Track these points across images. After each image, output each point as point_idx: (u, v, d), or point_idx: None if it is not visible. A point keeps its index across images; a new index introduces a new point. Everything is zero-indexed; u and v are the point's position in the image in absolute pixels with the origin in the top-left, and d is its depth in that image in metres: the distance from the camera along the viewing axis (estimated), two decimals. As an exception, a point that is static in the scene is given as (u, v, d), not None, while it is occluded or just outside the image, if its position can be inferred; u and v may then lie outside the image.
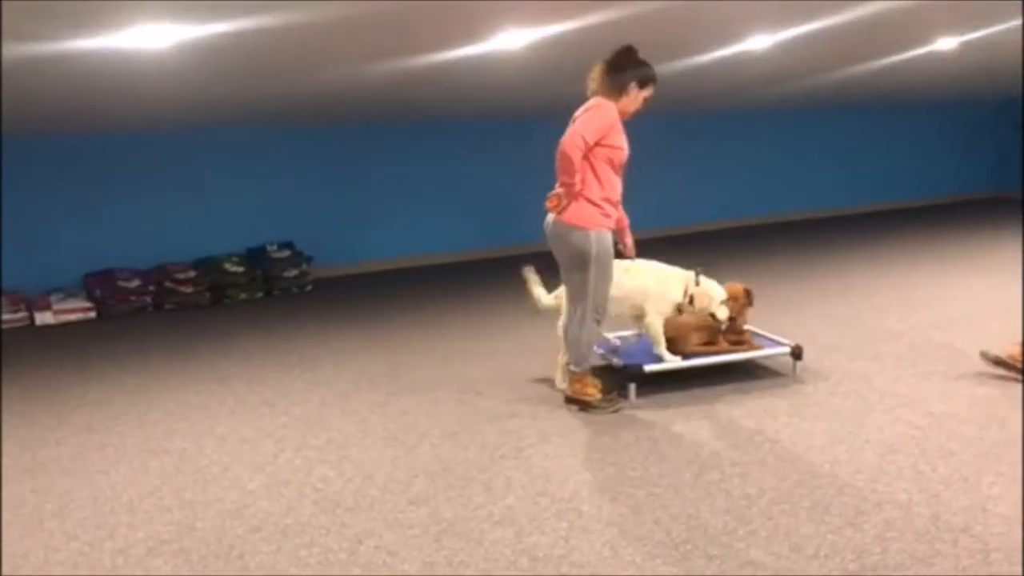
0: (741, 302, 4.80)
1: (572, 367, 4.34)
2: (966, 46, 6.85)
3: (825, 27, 5.53)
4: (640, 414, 4.23)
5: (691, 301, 4.50)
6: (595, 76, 4.09)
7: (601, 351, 4.76)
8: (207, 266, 7.25)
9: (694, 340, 4.68)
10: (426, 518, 3.20)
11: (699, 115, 9.86)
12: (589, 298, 4.15)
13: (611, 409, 4.28)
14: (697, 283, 4.52)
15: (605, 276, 4.15)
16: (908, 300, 6.42)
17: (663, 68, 6.21)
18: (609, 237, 4.13)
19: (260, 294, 7.35)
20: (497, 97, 7.09)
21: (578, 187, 4.01)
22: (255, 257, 7.50)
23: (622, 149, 4.07)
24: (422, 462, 3.73)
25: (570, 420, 4.18)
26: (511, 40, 4.83)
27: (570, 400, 4.37)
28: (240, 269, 7.27)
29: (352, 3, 3.78)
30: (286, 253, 7.59)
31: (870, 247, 8.70)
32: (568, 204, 4.05)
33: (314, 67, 5.22)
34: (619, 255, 4.37)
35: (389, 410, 4.40)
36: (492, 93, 6.85)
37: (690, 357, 4.60)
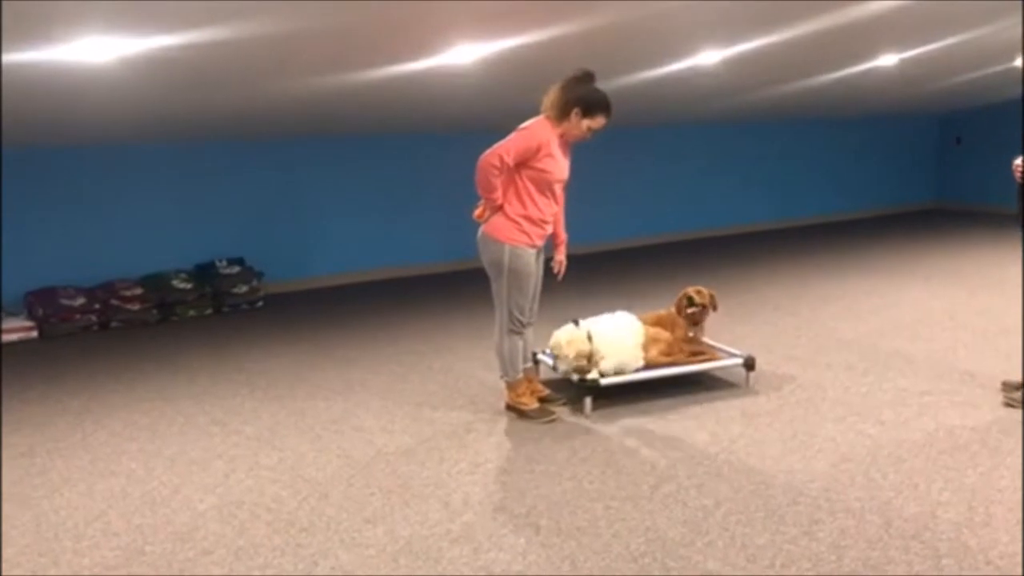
0: (709, 306, 4.90)
1: (502, 377, 4.42)
2: (906, 62, 7.03)
3: (770, 43, 5.64)
4: (596, 427, 4.23)
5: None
6: (549, 94, 4.13)
7: (554, 364, 4.76)
8: (154, 283, 7.08)
9: (652, 352, 4.71)
10: (383, 537, 3.16)
11: (644, 129, 9.95)
12: (505, 308, 4.26)
13: (545, 419, 4.31)
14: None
15: (519, 288, 4.22)
16: (856, 309, 6.54)
17: (607, 83, 6.32)
18: (525, 253, 4.19)
19: (209, 311, 7.20)
20: (448, 112, 7.08)
21: (498, 200, 4.12)
22: (204, 273, 7.35)
23: (550, 173, 4.11)
24: (378, 479, 3.68)
25: (527, 434, 4.16)
26: (462, 55, 4.83)
27: (508, 408, 4.44)
28: (188, 285, 7.12)
29: (299, 17, 3.74)
30: (236, 269, 7.45)
31: (816, 258, 8.85)
32: (491, 215, 4.18)
33: (262, 81, 5.16)
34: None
35: (344, 427, 4.34)
36: (443, 108, 6.84)
37: (647, 369, 4.62)
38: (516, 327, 4.31)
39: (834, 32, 5.48)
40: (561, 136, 4.15)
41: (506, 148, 4.03)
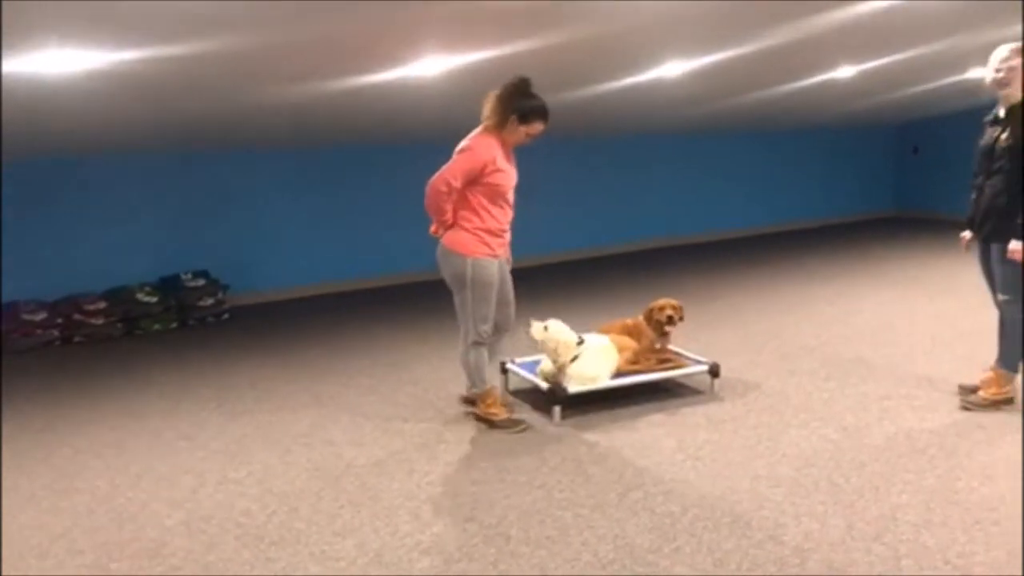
0: (676, 317, 4.97)
1: (472, 388, 4.47)
2: (864, 74, 7.19)
3: (734, 55, 5.74)
4: (566, 436, 4.27)
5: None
6: (486, 103, 4.19)
7: (524, 373, 4.80)
8: (118, 296, 7.00)
9: (619, 360, 4.76)
10: (353, 549, 3.16)
11: (612, 139, 10.06)
12: (470, 320, 4.30)
13: (516, 429, 4.35)
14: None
15: (483, 299, 4.28)
16: (819, 316, 6.66)
17: (573, 94, 6.41)
18: (488, 264, 4.25)
19: (175, 324, 7.13)
20: (413, 123, 7.10)
21: (449, 220, 4.23)
22: (169, 286, 7.28)
23: (501, 185, 4.19)
24: (348, 492, 3.68)
25: (496, 445, 4.19)
26: (428, 67, 4.86)
27: (478, 419, 4.47)
28: (153, 299, 7.05)
29: (261, 30, 3.75)
30: (201, 282, 7.39)
31: (780, 266, 8.99)
32: (445, 230, 4.26)
33: (226, 93, 5.15)
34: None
35: (313, 440, 4.33)
36: (408, 119, 6.86)
37: (614, 377, 4.68)
38: (481, 338, 4.35)
39: (794, 45, 5.60)
40: (503, 144, 4.21)
41: (452, 172, 4.12)
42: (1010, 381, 4.45)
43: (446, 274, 4.33)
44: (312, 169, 8.23)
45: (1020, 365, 4.43)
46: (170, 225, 7.58)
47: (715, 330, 6.24)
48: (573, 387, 4.50)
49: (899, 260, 9.10)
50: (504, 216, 4.30)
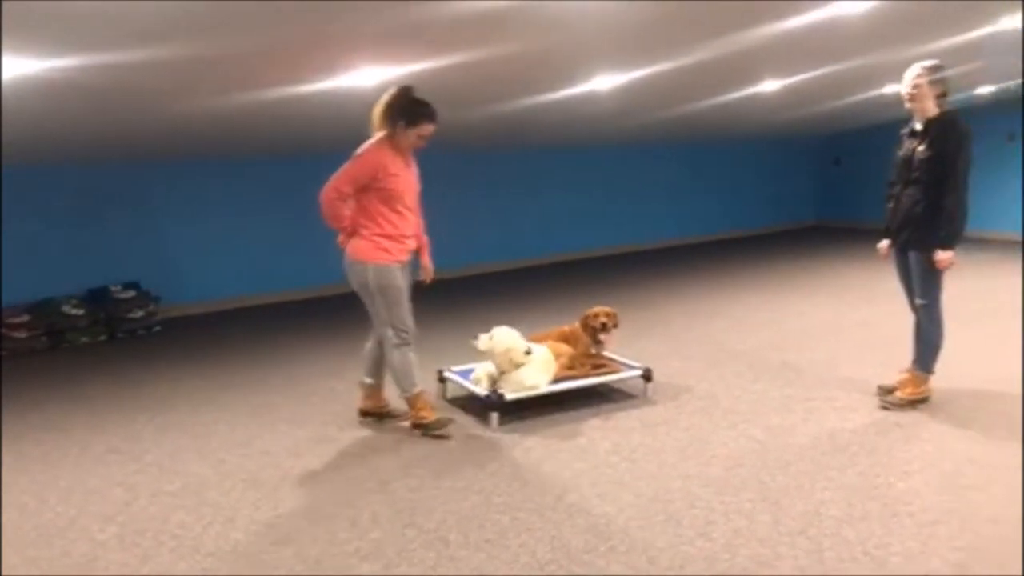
0: (611, 324, 5.08)
1: (401, 394, 4.49)
2: (788, 88, 7.45)
3: (661, 70, 5.89)
4: (503, 441, 4.32)
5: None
6: (375, 115, 4.24)
7: (461, 380, 4.85)
8: (43, 309, 6.81)
9: (556, 365, 4.84)
10: (291, 558, 3.16)
11: (542, 151, 10.20)
12: (389, 325, 4.34)
13: (443, 428, 4.42)
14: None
15: (395, 302, 4.32)
16: (746, 322, 6.86)
17: (505, 106, 6.50)
18: (391, 269, 4.28)
19: (103, 337, 6.98)
20: (341, 134, 7.07)
21: (348, 228, 4.29)
22: (97, 298, 7.12)
23: (395, 190, 4.23)
24: (285, 502, 3.67)
25: (433, 452, 4.22)
26: (359, 78, 4.87)
27: (413, 425, 4.49)
28: (80, 311, 6.88)
29: (192, 40, 3.73)
30: (131, 293, 7.26)
31: (709, 275, 9.22)
32: (347, 239, 4.31)
33: (155, 103, 5.06)
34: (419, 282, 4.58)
35: (249, 451, 4.30)
36: (339, 130, 6.84)
37: (551, 383, 4.75)
38: (403, 340, 4.37)
39: (719, 60, 5.78)
40: (397, 151, 4.27)
41: (342, 179, 4.18)
42: (925, 382, 4.67)
43: (353, 283, 4.35)
44: (243, 181, 8.14)
45: (934, 366, 4.65)
46: (99, 237, 7.41)
47: (647, 337, 6.38)
48: (510, 394, 4.56)
49: (822, 268, 9.43)
50: (403, 222, 4.32)
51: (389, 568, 3.06)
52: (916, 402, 4.63)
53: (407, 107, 4.20)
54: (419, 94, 4.24)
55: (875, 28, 5.37)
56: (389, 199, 4.23)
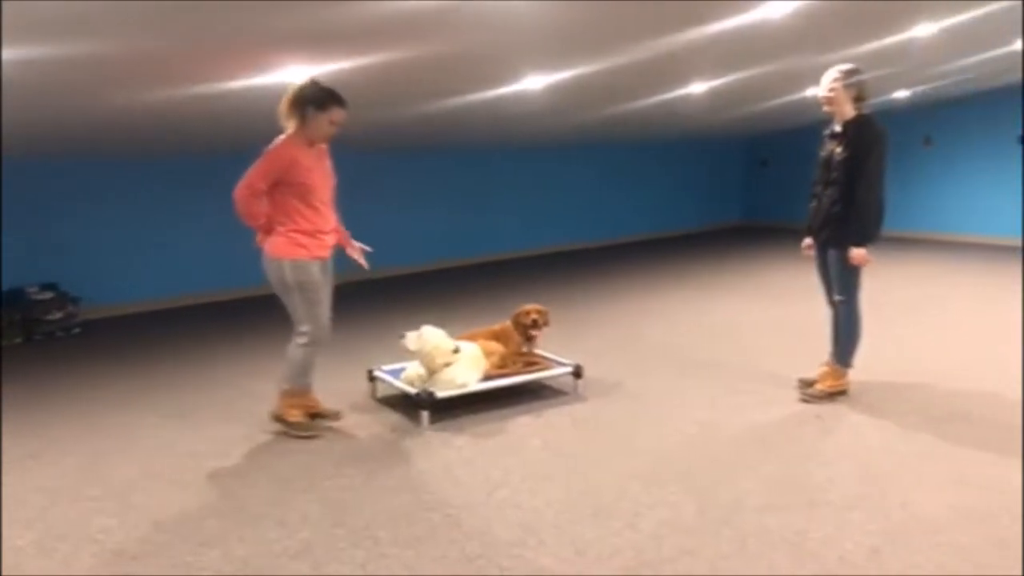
0: (542, 321, 5.14)
1: (283, 384, 4.44)
2: (714, 90, 7.62)
3: (587, 72, 5.97)
4: (434, 440, 4.33)
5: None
6: (282, 112, 4.21)
7: (391, 379, 4.84)
8: (-45, 311, 6.58)
9: (487, 364, 4.87)
10: (219, 559, 3.12)
11: (472, 153, 10.24)
12: (304, 321, 4.31)
13: (307, 433, 4.39)
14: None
15: (312, 301, 4.29)
16: (674, 320, 7.00)
17: (435, 106, 6.51)
18: (307, 265, 4.25)
19: (19, 339, 6.74)
20: (266, 132, 6.99)
21: (264, 225, 4.25)
22: (12, 300, 6.88)
23: (309, 184, 4.20)
24: (212, 503, 3.62)
25: (365, 451, 4.21)
26: (281, 78, 4.82)
27: (275, 418, 4.47)
28: (-5, 313, 6.67)
29: (116, 36, 3.65)
30: (49, 295, 7.03)
31: (638, 274, 9.37)
32: (264, 237, 4.28)
33: (74, 99, 4.92)
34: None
35: (175, 452, 4.22)
36: (261, 129, 6.76)
37: (483, 380, 4.78)
38: (312, 339, 4.34)
39: (646, 62, 5.89)
40: (311, 144, 4.25)
41: (255, 175, 4.14)
42: (843, 375, 4.84)
43: (271, 280, 4.30)
44: (165, 180, 7.96)
45: (852, 360, 4.83)
46: (14, 237, 7.16)
47: (578, 335, 6.46)
48: (441, 392, 4.57)
49: (748, 267, 9.68)
50: (319, 217, 4.28)
51: (318, 567, 3.05)
52: (835, 394, 4.79)
53: (315, 94, 4.17)
54: (341, 91, 4.22)
55: (797, 32, 5.54)
56: (303, 194, 4.19)
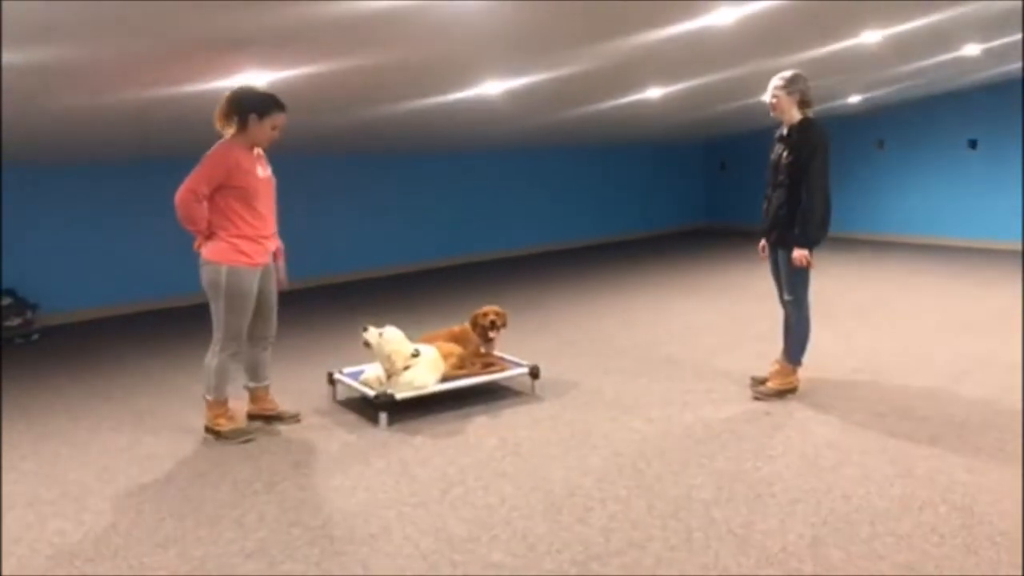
0: (500, 323, 5.23)
1: (205, 395, 4.45)
2: (670, 95, 7.76)
3: (547, 76, 6.08)
4: (392, 440, 4.39)
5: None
6: (217, 117, 4.22)
7: (351, 381, 4.89)
8: (-90, 317, 6.52)
9: (446, 365, 4.94)
10: (175, 559, 3.16)
11: (436, 155, 10.31)
12: (222, 330, 4.32)
13: (242, 439, 4.41)
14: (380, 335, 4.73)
15: (236, 310, 4.29)
16: (632, 321, 7.12)
17: (403, 109, 6.57)
18: (246, 273, 4.25)
19: (-23, 346, 6.72)
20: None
21: (205, 230, 4.24)
22: (-30, 306, 6.84)
23: (249, 189, 4.21)
24: (170, 505, 3.65)
25: (323, 452, 4.26)
26: (249, 80, 4.86)
27: (207, 429, 4.48)
28: (-48, 319, 6.61)
29: (57, 41, 3.67)
30: (7, 301, 6.98)
31: (598, 276, 9.48)
32: (203, 242, 4.28)
33: (24, 104, 4.91)
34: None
35: (133, 456, 4.24)
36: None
37: (441, 382, 4.85)
38: (231, 348, 4.36)
39: (603, 67, 6.00)
40: (252, 149, 4.28)
41: (196, 180, 4.14)
42: (793, 373, 4.97)
43: (204, 283, 4.28)
44: (120, 186, 7.92)
45: (802, 358, 4.96)
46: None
47: (538, 336, 6.55)
48: (400, 394, 4.63)
49: (707, 269, 9.84)
50: (261, 222, 4.29)
51: (273, 566, 3.09)
52: (784, 392, 4.92)
53: (255, 99, 4.20)
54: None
55: (749, 39, 5.68)
56: (245, 198, 4.20)
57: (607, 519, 3.41)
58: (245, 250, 4.22)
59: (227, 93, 4.22)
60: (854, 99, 10.09)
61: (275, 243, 4.47)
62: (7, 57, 3.60)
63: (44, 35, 3.49)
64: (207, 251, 4.24)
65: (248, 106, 4.17)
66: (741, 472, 3.86)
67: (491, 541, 3.24)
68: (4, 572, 3.09)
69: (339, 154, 9.37)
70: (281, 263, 4.58)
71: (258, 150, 4.36)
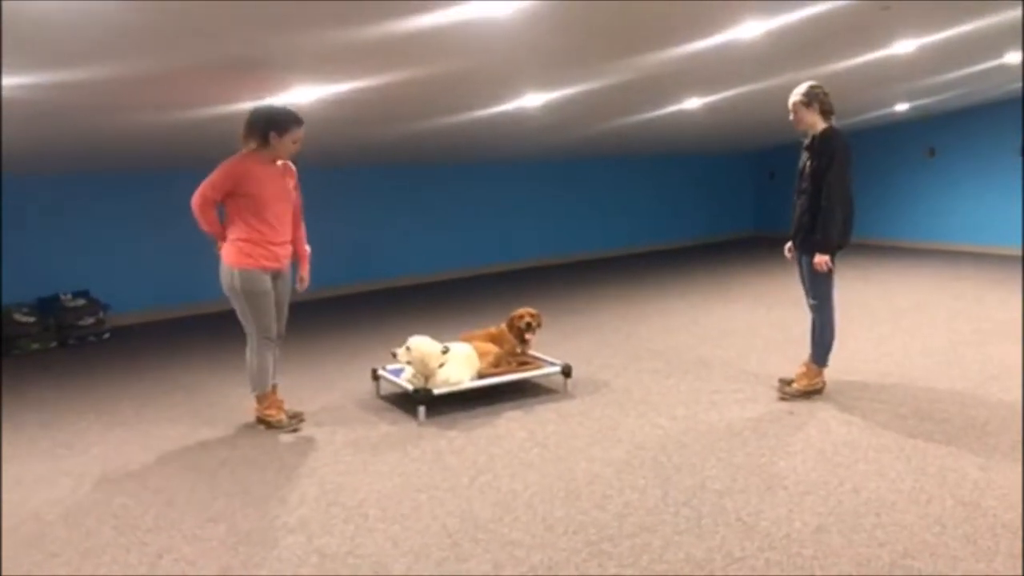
0: (535, 324, 5.48)
1: (251, 391, 4.78)
2: (710, 104, 7.91)
3: (591, 88, 6.30)
4: (428, 432, 4.67)
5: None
6: (244, 135, 4.54)
7: (393, 378, 5.19)
8: (-6, 317, 7.04)
9: (482, 363, 5.21)
10: (224, 532, 3.48)
11: (488, 165, 10.63)
12: (251, 327, 4.66)
13: (291, 428, 4.74)
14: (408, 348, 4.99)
15: (258, 308, 4.62)
16: (670, 325, 7.29)
17: (441, 121, 6.88)
18: (255, 275, 4.55)
19: (54, 343, 7.19)
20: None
21: (218, 231, 4.59)
22: (47, 306, 7.34)
23: (259, 198, 4.49)
24: (222, 486, 3.98)
25: (364, 441, 4.55)
26: (296, 96, 5.19)
27: (258, 420, 4.82)
28: (31, 319, 7.10)
29: (127, 57, 4.05)
30: (81, 302, 7.48)
31: (639, 283, 9.64)
32: (221, 244, 4.61)
33: (104, 116, 5.33)
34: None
35: (189, 443, 4.60)
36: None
37: (477, 379, 5.12)
38: (264, 344, 4.69)
39: (645, 80, 6.20)
40: (274, 162, 4.58)
41: (207, 185, 4.50)
42: (819, 374, 5.11)
43: (223, 286, 4.62)
44: (184, 195, 8.35)
45: (827, 360, 5.09)
46: (49, 247, 7.63)
47: (576, 339, 6.77)
48: (438, 390, 4.91)
49: (748, 276, 9.93)
50: (269, 229, 4.56)
51: (312, 539, 3.39)
52: (810, 393, 5.06)
53: (274, 118, 4.51)
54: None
55: (785, 50, 5.83)
56: (253, 206, 4.49)
57: (623, 506, 3.63)
58: (252, 254, 4.53)
59: (249, 115, 4.54)
60: (901, 107, 10.09)
61: (287, 250, 4.74)
62: (77, 74, 3.97)
63: (109, 55, 3.86)
64: (223, 253, 4.59)
65: (268, 125, 4.48)
66: (757, 466, 4.03)
67: (512, 522, 3.49)
68: (75, 540, 3.45)
69: (399, 165, 9.76)
70: (304, 270, 4.91)
71: (285, 163, 4.68)
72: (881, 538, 3.27)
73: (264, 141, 4.50)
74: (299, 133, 4.55)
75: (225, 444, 4.57)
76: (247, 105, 4.93)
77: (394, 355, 5.00)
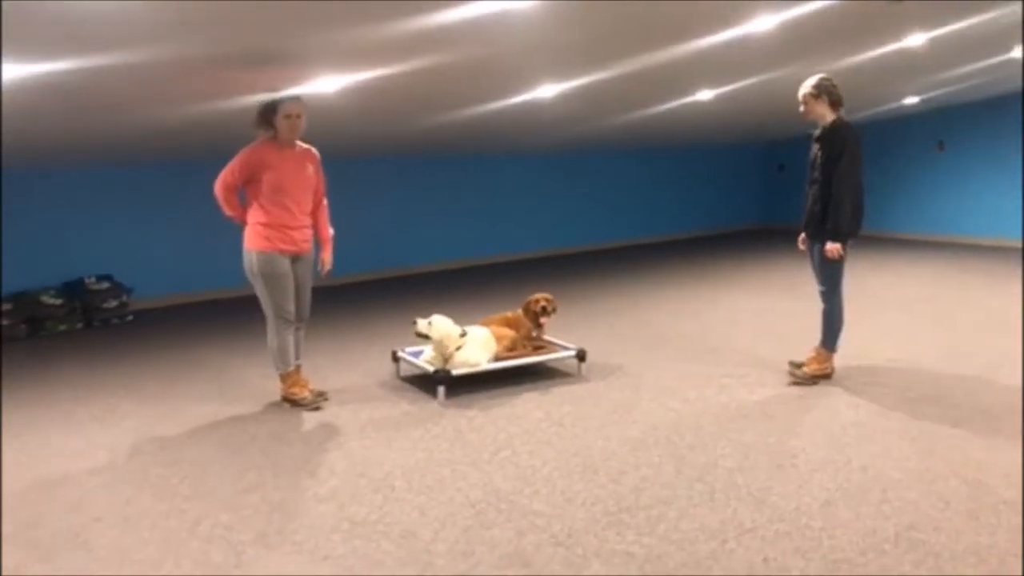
0: (550, 308, 5.63)
1: (276, 370, 4.96)
2: (721, 97, 8.03)
3: (606, 78, 6.42)
4: (448, 411, 4.83)
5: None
6: (255, 126, 4.77)
7: (413, 360, 5.35)
8: (23, 299, 7.20)
9: (499, 347, 5.37)
10: (258, 500, 3.65)
11: (502, 157, 10.78)
12: (270, 309, 4.85)
13: (315, 405, 4.91)
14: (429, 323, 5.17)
15: (276, 288, 4.79)
16: (682, 313, 7.43)
17: (465, 113, 7.02)
18: (272, 258, 4.73)
19: (80, 325, 7.37)
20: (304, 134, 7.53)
21: (239, 215, 4.80)
22: (73, 289, 7.52)
23: (271, 182, 4.67)
24: (253, 459, 4.15)
25: (387, 418, 4.71)
26: (320, 87, 5.31)
27: (284, 399, 4.99)
28: (58, 301, 7.28)
29: (170, 43, 4.18)
30: (105, 285, 7.65)
31: (651, 273, 9.77)
32: (244, 228, 4.81)
33: (128, 107, 5.45)
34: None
35: (219, 418, 4.77)
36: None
37: (494, 362, 5.28)
38: (283, 325, 4.86)
39: (656, 71, 6.32)
40: (284, 147, 4.75)
41: (229, 170, 4.72)
42: (828, 359, 5.25)
43: (245, 268, 4.81)
44: (205, 182, 8.52)
45: (837, 345, 5.23)
46: (75, 233, 7.81)
47: (590, 326, 6.92)
48: (456, 371, 5.07)
49: (759, 266, 10.06)
50: (286, 213, 4.73)
51: (342, 507, 3.55)
52: (819, 377, 5.20)
53: (267, 104, 4.72)
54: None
55: (797, 43, 5.95)
56: (270, 191, 4.68)
57: (639, 480, 3.78)
58: (269, 237, 4.71)
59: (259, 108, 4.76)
60: (911, 101, 10.18)
61: (305, 234, 4.88)
62: (114, 61, 4.10)
63: (157, 42, 4.00)
64: (246, 237, 4.78)
65: (267, 110, 4.70)
66: (767, 445, 4.18)
67: (533, 495, 3.65)
68: (116, 506, 3.62)
69: (420, 156, 9.92)
70: (326, 254, 5.05)
71: (306, 149, 4.86)
72: (887, 512, 3.42)
73: (270, 126, 4.70)
74: (291, 107, 4.70)
75: (253, 420, 4.74)
76: (263, 97, 5.09)
77: (415, 323, 5.15)
